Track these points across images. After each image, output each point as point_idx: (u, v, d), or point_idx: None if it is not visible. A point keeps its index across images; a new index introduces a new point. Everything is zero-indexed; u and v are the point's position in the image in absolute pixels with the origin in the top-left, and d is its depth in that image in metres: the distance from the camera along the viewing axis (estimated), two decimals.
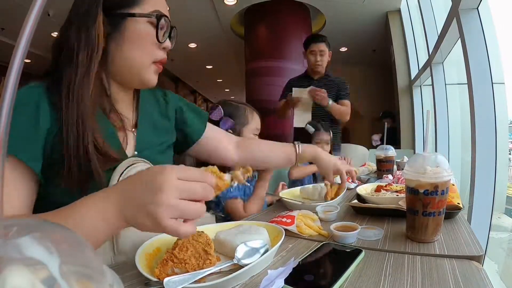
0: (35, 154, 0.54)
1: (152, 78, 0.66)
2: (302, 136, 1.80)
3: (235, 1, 4.07)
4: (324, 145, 1.74)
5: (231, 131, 1.12)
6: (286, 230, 0.63)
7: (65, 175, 0.55)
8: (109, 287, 0.21)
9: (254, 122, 1.19)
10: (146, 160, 0.66)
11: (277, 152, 0.97)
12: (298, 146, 0.96)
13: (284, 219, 0.69)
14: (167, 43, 0.66)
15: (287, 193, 1.06)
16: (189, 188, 0.41)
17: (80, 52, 0.57)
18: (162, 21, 0.63)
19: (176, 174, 0.40)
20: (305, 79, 2.24)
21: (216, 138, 0.89)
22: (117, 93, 0.68)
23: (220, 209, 1.11)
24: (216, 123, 1.07)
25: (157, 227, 0.39)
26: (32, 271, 0.17)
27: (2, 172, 0.18)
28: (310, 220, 0.72)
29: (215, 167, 0.47)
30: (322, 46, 2.17)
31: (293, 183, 1.65)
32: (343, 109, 2.09)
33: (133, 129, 0.70)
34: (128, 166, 0.60)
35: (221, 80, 8.96)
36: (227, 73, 7.80)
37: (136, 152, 0.68)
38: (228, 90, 10.58)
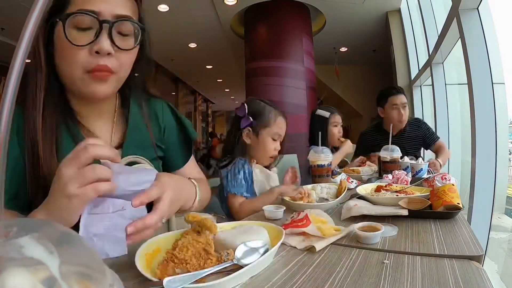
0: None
1: (92, 89, 0.56)
2: (318, 123, 1.79)
3: (235, 1, 4.07)
4: (340, 128, 1.80)
5: (250, 130, 1.13)
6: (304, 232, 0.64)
7: (33, 197, 0.55)
8: (109, 287, 0.21)
9: (276, 126, 1.16)
10: (142, 158, 0.65)
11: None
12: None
13: (299, 223, 0.67)
14: (98, 45, 0.53)
15: None
16: (76, 158, 0.44)
17: (29, 65, 0.55)
18: (76, 20, 0.52)
19: (64, 161, 0.45)
20: (380, 134, 2.02)
21: (184, 174, 0.80)
22: (81, 107, 0.62)
23: (224, 196, 1.12)
24: (240, 119, 1.11)
25: (74, 203, 0.43)
26: (32, 271, 0.17)
27: (2, 172, 0.18)
28: (321, 223, 0.72)
29: (208, 219, 0.50)
30: (403, 98, 1.94)
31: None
32: (445, 156, 1.88)
33: (119, 148, 0.65)
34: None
35: (221, 80, 8.96)
36: (227, 73, 7.79)
37: None
38: (228, 90, 10.57)
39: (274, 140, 1.16)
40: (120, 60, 0.57)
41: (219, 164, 1.18)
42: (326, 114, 1.69)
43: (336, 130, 1.79)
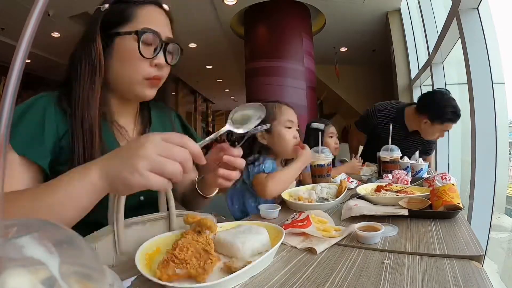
0: (42, 152, 0.59)
1: (145, 93, 0.69)
2: (312, 136, 1.80)
3: (235, 1, 4.07)
4: (334, 138, 1.82)
5: (267, 130, 1.09)
6: (304, 232, 0.64)
7: None
8: (109, 287, 0.21)
9: (284, 115, 1.17)
10: None
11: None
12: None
13: (300, 223, 0.68)
14: (158, 60, 0.66)
15: (286, 194, 1.05)
16: (168, 148, 0.44)
17: (83, 68, 0.63)
18: (146, 37, 0.64)
19: (160, 136, 0.45)
20: (402, 130, 1.91)
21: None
22: (117, 106, 0.72)
23: (249, 184, 1.11)
24: None
25: (134, 177, 0.42)
26: (32, 271, 0.17)
27: (2, 172, 0.18)
28: (321, 223, 0.72)
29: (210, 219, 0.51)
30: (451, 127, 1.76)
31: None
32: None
33: None
34: None
35: (221, 80, 8.96)
36: (227, 73, 7.80)
37: None
38: (228, 90, 10.57)
39: (288, 128, 1.16)
40: (165, 71, 0.70)
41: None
42: (321, 126, 1.70)
43: (332, 141, 1.80)
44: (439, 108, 1.67)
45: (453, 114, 1.67)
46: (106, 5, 0.65)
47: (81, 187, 0.44)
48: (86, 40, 0.64)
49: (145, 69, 0.66)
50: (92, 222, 0.54)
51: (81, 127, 0.62)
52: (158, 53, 0.66)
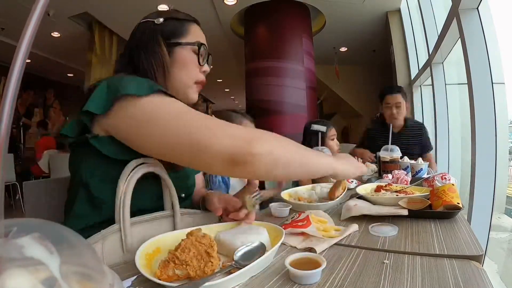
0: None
1: (194, 95, 0.79)
2: (313, 138, 1.80)
3: (235, 1, 4.07)
4: (336, 140, 1.82)
5: None
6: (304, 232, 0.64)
7: None
8: (109, 287, 0.21)
9: (244, 125, 1.29)
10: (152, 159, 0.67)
11: None
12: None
13: (300, 223, 0.67)
14: (206, 67, 0.80)
15: (286, 194, 1.05)
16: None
17: (154, 71, 0.72)
18: (202, 49, 0.77)
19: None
20: (384, 130, 2.00)
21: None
22: None
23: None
24: None
25: (357, 171, 0.75)
26: (32, 271, 0.17)
27: (2, 172, 0.18)
28: (321, 223, 0.72)
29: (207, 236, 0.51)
30: (397, 97, 2.03)
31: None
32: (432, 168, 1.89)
33: None
34: (136, 166, 0.61)
35: (221, 80, 8.96)
36: (227, 73, 7.80)
37: None
38: (228, 90, 10.57)
39: None
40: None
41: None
42: (323, 128, 1.69)
43: (334, 144, 1.80)
44: (380, 91, 2.15)
45: (387, 87, 2.16)
46: (161, 19, 0.76)
47: (326, 163, 0.67)
48: (151, 48, 0.73)
49: (195, 73, 0.78)
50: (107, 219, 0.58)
51: None
52: (207, 61, 0.80)
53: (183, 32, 0.77)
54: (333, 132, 1.81)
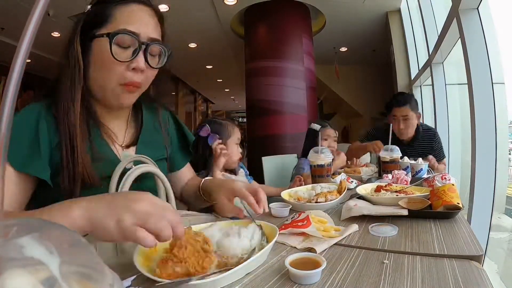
0: (42, 166, 0.58)
1: (120, 100, 0.65)
2: (309, 136, 1.79)
3: (235, 1, 4.07)
4: (331, 142, 1.79)
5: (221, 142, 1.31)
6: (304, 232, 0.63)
7: (63, 183, 0.60)
8: (109, 287, 0.21)
9: (235, 134, 1.39)
10: (146, 157, 0.66)
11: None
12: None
13: (300, 223, 0.67)
14: (137, 63, 0.61)
15: (286, 194, 1.05)
16: (158, 220, 0.42)
17: (64, 72, 0.61)
18: (121, 38, 0.59)
19: (153, 200, 0.45)
20: (387, 139, 1.82)
21: (183, 174, 0.91)
22: (101, 111, 0.69)
23: None
24: (205, 138, 1.26)
25: (117, 229, 0.41)
26: (32, 271, 0.17)
27: (2, 172, 0.18)
28: (321, 223, 0.72)
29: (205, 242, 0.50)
30: (405, 110, 1.87)
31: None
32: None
33: (131, 146, 0.73)
34: (129, 169, 0.61)
35: (221, 80, 8.96)
36: (227, 73, 7.79)
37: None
38: (228, 90, 10.57)
39: (237, 144, 1.39)
40: (147, 75, 0.65)
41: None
42: (317, 127, 1.70)
43: (326, 144, 1.78)
44: (388, 101, 2.01)
45: (394, 98, 1.99)
46: (89, 7, 0.62)
47: (60, 221, 0.42)
48: (68, 45, 0.62)
49: (121, 73, 0.61)
50: None
51: (65, 134, 0.60)
52: (136, 55, 0.61)
53: (106, 19, 0.61)
54: (327, 132, 1.77)
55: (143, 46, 0.62)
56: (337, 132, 1.85)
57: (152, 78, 0.68)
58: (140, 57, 0.62)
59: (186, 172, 0.92)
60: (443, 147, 2.05)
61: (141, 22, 0.62)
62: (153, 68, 0.65)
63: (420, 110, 4.19)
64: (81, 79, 0.62)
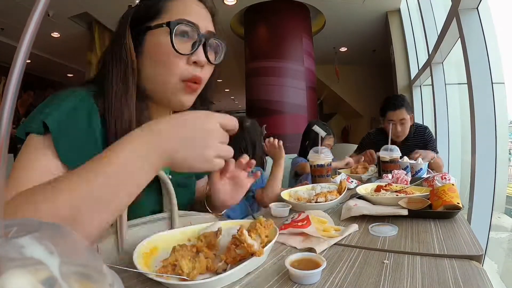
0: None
1: (182, 98, 0.59)
2: (311, 139, 1.80)
3: (235, 1, 4.07)
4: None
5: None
6: (304, 232, 0.64)
7: None
8: (109, 287, 0.21)
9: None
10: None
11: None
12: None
13: (299, 223, 0.67)
14: (197, 57, 0.56)
15: (286, 194, 1.05)
16: (225, 136, 0.46)
17: (114, 68, 0.55)
18: (182, 28, 0.54)
19: (218, 121, 0.45)
20: (384, 138, 1.91)
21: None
22: (154, 114, 0.63)
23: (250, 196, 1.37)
24: None
25: (204, 166, 0.45)
26: (32, 271, 0.17)
27: (2, 172, 0.18)
28: (321, 223, 0.72)
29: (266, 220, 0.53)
30: (401, 113, 1.85)
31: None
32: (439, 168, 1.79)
33: None
34: None
35: (221, 80, 8.97)
36: (227, 73, 7.79)
37: (170, 175, 0.66)
38: (228, 90, 10.57)
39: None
40: (206, 72, 0.60)
41: None
42: (322, 133, 1.69)
43: None
44: (383, 104, 1.97)
45: (389, 101, 1.92)
46: (137, 1, 0.58)
47: (138, 170, 0.40)
48: (116, 38, 0.56)
49: (182, 68, 0.56)
50: None
51: (115, 135, 0.53)
52: (197, 48, 0.56)
53: (159, 11, 0.56)
54: (329, 141, 1.77)
55: (203, 39, 0.57)
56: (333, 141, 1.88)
57: (209, 76, 0.63)
58: (200, 51, 0.57)
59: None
60: (434, 141, 2.05)
61: (198, 15, 0.58)
62: (211, 64, 0.61)
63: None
64: (135, 74, 0.56)
